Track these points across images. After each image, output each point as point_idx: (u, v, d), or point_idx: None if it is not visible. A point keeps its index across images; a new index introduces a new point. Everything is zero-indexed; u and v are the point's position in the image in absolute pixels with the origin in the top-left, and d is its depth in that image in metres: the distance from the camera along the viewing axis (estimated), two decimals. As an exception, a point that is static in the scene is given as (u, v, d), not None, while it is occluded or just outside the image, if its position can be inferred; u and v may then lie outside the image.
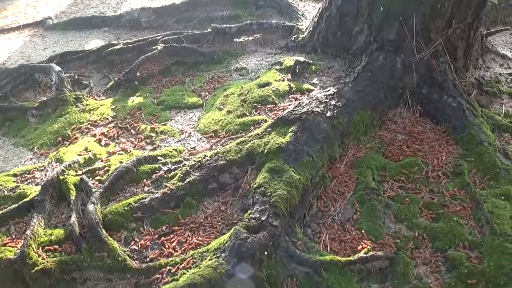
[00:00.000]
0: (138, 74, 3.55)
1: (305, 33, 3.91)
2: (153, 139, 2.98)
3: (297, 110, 2.81)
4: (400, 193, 2.60)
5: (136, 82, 3.53)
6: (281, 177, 2.44)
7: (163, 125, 3.10)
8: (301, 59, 3.49)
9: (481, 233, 2.34)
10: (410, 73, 3.18)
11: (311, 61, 3.50)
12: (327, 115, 2.79)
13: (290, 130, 2.68)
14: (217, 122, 3.01)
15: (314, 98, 2.91)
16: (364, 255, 2.20)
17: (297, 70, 3.37)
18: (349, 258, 2.18)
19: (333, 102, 2.89)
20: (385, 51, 3.25)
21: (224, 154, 2.64)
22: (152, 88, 3.51)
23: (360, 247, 2.28)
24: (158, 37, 3.96)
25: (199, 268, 2.06)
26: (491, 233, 2.30)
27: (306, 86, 3.27)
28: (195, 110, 3.21)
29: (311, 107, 2.82)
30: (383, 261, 2.21)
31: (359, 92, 3.04)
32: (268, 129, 2.76)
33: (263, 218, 2.23)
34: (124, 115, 3.24)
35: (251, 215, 2.26)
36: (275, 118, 2.81)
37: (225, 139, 2.90)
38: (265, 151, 2.60)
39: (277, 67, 3.51)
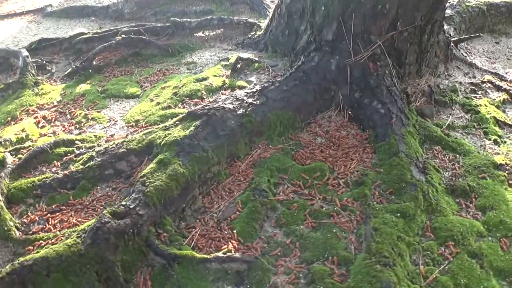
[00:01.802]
0: (94, 63, 3.73)
1: (261, 31, 3.87)
2: (82, 124, 3.12)
3: (209, 105, 2.82)
4: (292, 197, 2.53)
5: (90, 70, 3.70)
6: (166, 169, 2.47)
7: (97, 112, 3.23)
8: (245, 56, 3.47)
9: (358, 250, 2.23)
10: (344, 76, 3.07)
11: (256, 59, 3.47)
12: (238, 112, 2.77)
13: (193, 124, 2.70)
14: (142, 112, 3.09)
15: (232, 95, 2.90)
16: (221, 255, 2.18)
17: (238, 67, 3.36)
18: (205, 256, 2.18)
19: (250, 100, 2.86)
20: (322, 51, 3.15)
21: (127, 143, 2.72)
22: (104, 77, 3.67)
23: (225, 246, 2.26)
24: (123, 28, 4.10)
25: (59, 245, 2.16)
26: (365, 251, 2.19)
27: (240, 83, 3.26)
28: (132, 100, 3.32)
29: (225, 103, 2.81)
30: (240, 263, 2.17)
31: (284, 92, 2.97)
32: (176, 122, 2.79)
33: (131, 206, 2.27)
34: (68, 100, 3.41)
35: (123, 202, 2.32)
36: (186, 112, 2.83)
37: (142, 129, 2.96)
38: (162, 142, 2.64)
39: (224, 63, 3.53)
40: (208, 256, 2.18)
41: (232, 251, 2.22)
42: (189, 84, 3.23)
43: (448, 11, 4.14)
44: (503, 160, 2.77)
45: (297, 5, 3.34)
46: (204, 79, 3.27)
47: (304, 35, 3.34)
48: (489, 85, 3.53)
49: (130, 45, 3.86)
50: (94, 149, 2.79)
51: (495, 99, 3.41)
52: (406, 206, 2.42)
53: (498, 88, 3.51)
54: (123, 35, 3.86)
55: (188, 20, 4.09)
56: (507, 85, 3.55)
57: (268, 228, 2.39)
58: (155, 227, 2.31)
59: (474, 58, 3.87)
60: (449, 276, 2.14)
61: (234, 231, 2.33)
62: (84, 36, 4.14)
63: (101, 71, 3.78)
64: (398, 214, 2.38)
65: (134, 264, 2.18)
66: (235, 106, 2.79)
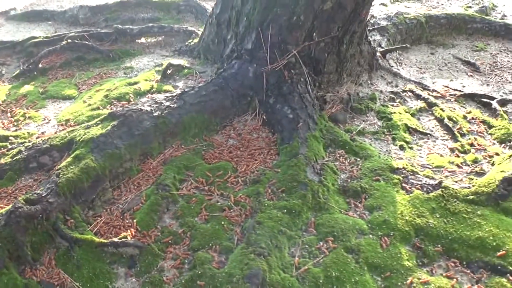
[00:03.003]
0: (40, 65, 3.98)
1: (197, 39, 4.11)
2: (20, 122, 3.37)
3: (128, 107, 3.06)
4: (193, 192, 2.76)
5: (35, 73, 3.96)
6: (79, 163, 2.71)
7: (35, 111, 3.48)
8: (176, 62, 3.71)
9: (240, 241, 2.45)
10: (261, 83, 3.29)
11: (187, 65, 3.71)
12: (154, 114, 3.01)
13: (111, 124, 2.94)
14: (73, 112, 3.33)
15: (152, 98, 3.14)
16: (116, 240, 2.42)
17: (168, 72, 3.59)
18: (103, 240, 2.42)
19: (167, 103, 3.09)
20: (242, 59, 3.38)
21: (51, 139, 2.96)
22: (48, 79, 3.92)
23: (123, 233, 2.50)
24: (70, 33, 4.36)
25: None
26: (245, 242, 2.41)
27: (166, 87, 3.50)
28: (68, 101, 3.57)
29: (143, 106, 3.05)
30: (133, 248, 2.41)
31: (202, 97, 3.21)
32: (97, 122, 3.03)
33: (43, 194, 2.51)
34: (12, 100, 3.67)
35: (37, 191, 2.56)
36: (108, 113, 3.07)
37: (70, 127, 3.21)
38: (81, 140, 2.88)
39: (158, 68, 3.77)
40: (105, 241, 2.41)
41: (128, 238, 2.46)
42: (120, 87, 3.48)
43: (383, 22, 4.35)
44: (401, 165, 2.98)
45: (225, 16, 3.57)
46: (135, 83, 3.52)
47: (230, 44, 3.58)
48: (410, 94, 3.73)
49: (74, 50, 4.12)
50: (24, 144, 3.04)
51: (412, 107, 3.62)
52: (294, 203, 2.63)
53: (418, 97, 3.72)
54: (69, 40, 4.11)
55: (130, 27, 4.35)
56: (428, 94, 3.75)
57: (166, 219, 2.63)
58: (63, 214, 2.54)
59: (403, 68, 4.08)
60: (321, 268, 2.33)
61: (134, 221, 2.56)
62: (35, 40, 4.40)
63: (46, 73, 4.03)
64: (285, 210, 2.59)
65: (42, 245, 2.41)
66: (152, 108, 3.03)
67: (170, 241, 2.47)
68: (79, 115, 3.28)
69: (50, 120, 3.35)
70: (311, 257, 2.40)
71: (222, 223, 2.54)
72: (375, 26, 4.23)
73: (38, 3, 6.07)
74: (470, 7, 5.37)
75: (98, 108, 3.32)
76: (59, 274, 2.31)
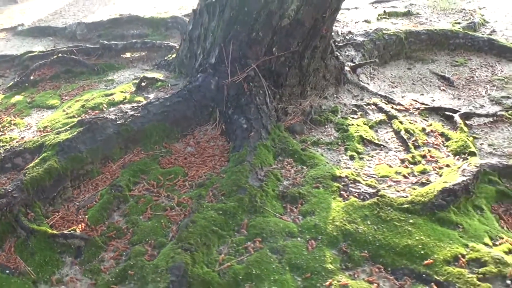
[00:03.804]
0: (31, 77, 4.42)
1: (175, 54, 4.42)
2: (5, 128, 3.77)
3: (96, 115, 3.39)
4: (143, 194, 3.02)
5: (27, 84, 4.40)
6: (44, 164, 3.05)
7: (21, 119, 3.88)
8: (150, 75, 4.03)
9: (174, 237, 2.67)
10: (222, 95, 3.53)
11: (161, 78, 4.02)
12: (118, 122, 3.31)
13: (78, 130, 3.27)
14: (52, 120, 3.70)
15: (119, 108, 3.45)
16: (66, 232, 2.71)
17: (142, 85, 3.91)
18: (55, 232, 2.71)
19: (132, 113, 3.39)
20: (206, 73, 3.64)
21: (26, 143, 3.33)
22: (37, 90, 4.34)
23: (74, 227, 2.79)
24: (61, 49, 4.81)
25: None
26: (177, 238, 2.63)
27: (138, 98, 3.81)
28: (51, 110, 3.94)
29: (109, 114, 3.37)
30: (79, 240, 2.69)
31: (166, 107, 3.48)
32: (67, 128, 3.37)
33: (9, 190, 2.85)
34: (2, 109, 4.10)
35: (5, 187, 2.91)
36: (77, 120, 3.41)
37: (46, 133, 3.58)
38: (50, 143, 3.22)
39: (135, 81, 4.09)
40: (56, 232, 2.70)
41: (77, 231, 2.75)
42: (97, 98, 3.83)
43: (360, 38, 4.49)
44: (344, 174, 3.10)
45: (196, 32, 3.86)
46: (111, 94, 3.85)
47: (199, 58, 3.85)
48: (373, 107, 3.84)
49: (63, 63, 4.54)
50: (4, 147, 3.43)
51: (372, 120, 3.73)
52: (230, 205, 2.82)
53: (380, 110, 3.82)
54: (59, 54, 4.54)
55: (115, 42, 4.73)
56: (391, 107, 3.85)
57: (115, 216, 2.89)
58: (25, 208, 2.86)
59: (374, 83, 4.19)
60: (244, 265, 2.48)
61: (86, 216, 2.85)
62: (31, 54, 4.88)
63: (37, 85, 4.45)
64: (221, 212, 2.79)
65: (5, 234, 2.72)
66: (117, 116, 3.33)
67: (113, 235, 2.73)
68: (56, 122, 3.64)
69: (31, 127, 3.73)
70: (237, 255, 2.57)
71: (162, 221, 2.77)
72: (351, 42, 4.37)
73: (45, 20, 6.64)
74: (459, 23, 5.38)
75: (73, 117, 3.67)
76: (16, 259, 2.62)
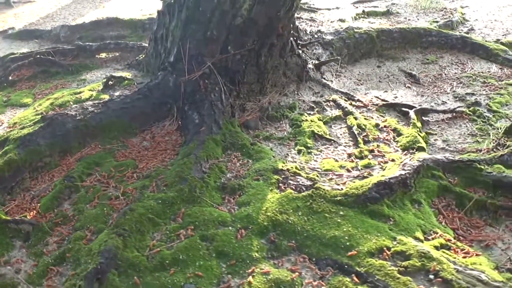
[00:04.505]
0: (10, 78, 4.71)
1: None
2: (-19, 124, 4.05)
3: (60, 112, 3.61)
4: (94, 184, 3.20)
5: (5, 84, 4.68)
6: (5, 156, 3.28)
7: (-6, 116, 4.16)
8: (117, 74, 4.23)
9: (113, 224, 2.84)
10: (179, 92, 3.69)
11: (128, 77, 4.21)
12: (77, 118, 3.52)
13: (39, 125, 3.50)
14: (22, 117, 3.94)
15: (80, 105, 3.66)
16: (17, 218, 2.91)
17: (109, 83, 4.12)
18: (7, 218, 2.92)
19: (92, 109, 3.60)
20: (166, 71, 3.81)
21: (-7, 137, 3.58)
22: (14, 89, 4.62)
23: (27, 213, 3.00)
24: (41, 50, 5.08)
25: None
26: (114, 224, 2.78)
27: (103, 96, 4.01)
28: (24, 108, 4.19)
29: (70, 111, 3.58)
30: (28, 225, 2.89)
31: (126, 104, 3.67)
32: (31, 124, 3.60)
33: (-29, 179, 3.10)
34: (-21, 107, 4.39)
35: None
36: (41, 116, 3.64)
37: (14, 129, 3.82)
38: (13, 138, 3.46)
39: (105, 80, 4.31)
40: (9, 218, 2.92)
41: (27, 217, 2.96)
42: (66, 96, 4.05)
43: (329, 37, 4.56)
44: (286, 167, 3.20)
45: (160, 32, 4.04)
46: (80, 92, 4.08)
47: (162, 57, 4.02)
48: (332, 103, 3.91)
49: (40, 64, 4.81)
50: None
51: (328, 116, 3.80)
52: (170, 195, 2.96)
53: (338, 106, 3.88)
54: (38, 56, 4.82)
55: (90, 44, 4.98)
56: (350, 104, 3.91)
57: (65, 204, 3.08)
58: (-15, 196, 3.11)
59: (339, 80, 4.25)
60: (172, 251, 2.62)
61: (38, 205, 3.06)
62: (13, 56, 5.18)
63: (15, 85, 4.73)
64: (160, 201, 2.93)
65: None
66: (77, 112, 3.54)
67: (60, 222, 2.91)
68: (25, 119, 3.88)
69: (3, 123, 3.99)
70: (167, 242, 2.71)
71: (105, 209, 2.94)
72: (318, 40, 4.45)
73: (37, 23, 6.97)
74: (437, 21, 5.34)
75: (41, 114, 3.91)
76: (-28, 242, 2.84)
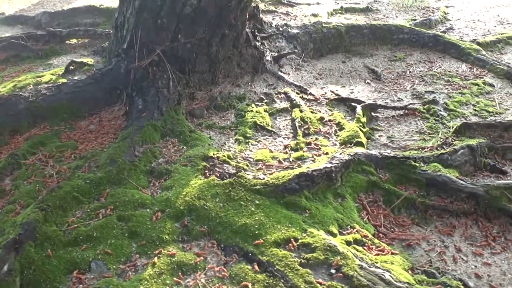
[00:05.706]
0: None
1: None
2: None
3: (14, 93, 3.78)
4: (35, 162, 3.35)
5: None
6: (-43, 133, 3.49)
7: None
8: (78, 60, 4.37)
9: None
10: (129, 78, 3.80)
11: (89, 62, 4.35)
12: (29, 99, 3.69)
13: (-6, 106, 3.68)
14: (-14, 97, 4.15)
15: (35, 87, 3.83)
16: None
17: (70, 68, 4.27)
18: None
19: (44, 91, 3.75)
20: (119, 57, 3.92)
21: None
22: None
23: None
24: (15, 35, 5.29)
25: None
26: (40, 199, 2.91)
27: (62, 80, 4.17)
28: (-11, 90, 4.41)
29: (25, 92, 3.75)
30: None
31: (77, 88, 3.81)
32: (-9, 104, 3.79)
33: None
34: None
35: None
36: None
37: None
38: (-31, 116, 3.66)
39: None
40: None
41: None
42: (28, 79, 4.24)
43: (295, 31, 4.55)
44: (216, 155, 3.25)
45: (120, 20, 4.15)
46: (42, 76, 4.25)
47: (120, 45, 4.14)
48: (283, 95, 3.93)
49: (13, 49, 5.02)
50: None
51: (275, 107, 3.82)
52: (98, 176, 3.07)
53: (288, 99, 3.90)
54: (12, 40, 5.04)
55: (60, 30, 5.16)
56: (301, 97, 3.91)
57: (7, 180, 3.25)
58: None
59: (298, 73, 4.25)
60: (88, 228, 2.74)
61: (-7, 185, 3.25)
62: None
63: None
64: (88, 181, 3.05)
65: None
66: (30, 94, 3.71)
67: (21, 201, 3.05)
68: (-12, 99, 4.08)
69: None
70: (87, 219, 2.82)
71: (37, 186, 3.08)
72: (282, 33, 4.45)
73: (27, 10, 7.23)
74: (415, 20, 5.22)
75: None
76: None
